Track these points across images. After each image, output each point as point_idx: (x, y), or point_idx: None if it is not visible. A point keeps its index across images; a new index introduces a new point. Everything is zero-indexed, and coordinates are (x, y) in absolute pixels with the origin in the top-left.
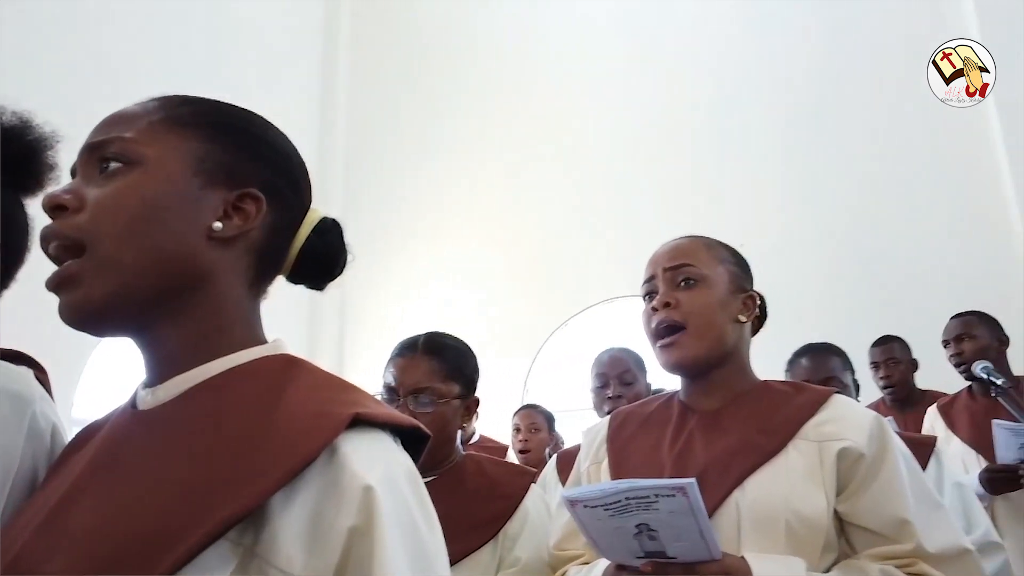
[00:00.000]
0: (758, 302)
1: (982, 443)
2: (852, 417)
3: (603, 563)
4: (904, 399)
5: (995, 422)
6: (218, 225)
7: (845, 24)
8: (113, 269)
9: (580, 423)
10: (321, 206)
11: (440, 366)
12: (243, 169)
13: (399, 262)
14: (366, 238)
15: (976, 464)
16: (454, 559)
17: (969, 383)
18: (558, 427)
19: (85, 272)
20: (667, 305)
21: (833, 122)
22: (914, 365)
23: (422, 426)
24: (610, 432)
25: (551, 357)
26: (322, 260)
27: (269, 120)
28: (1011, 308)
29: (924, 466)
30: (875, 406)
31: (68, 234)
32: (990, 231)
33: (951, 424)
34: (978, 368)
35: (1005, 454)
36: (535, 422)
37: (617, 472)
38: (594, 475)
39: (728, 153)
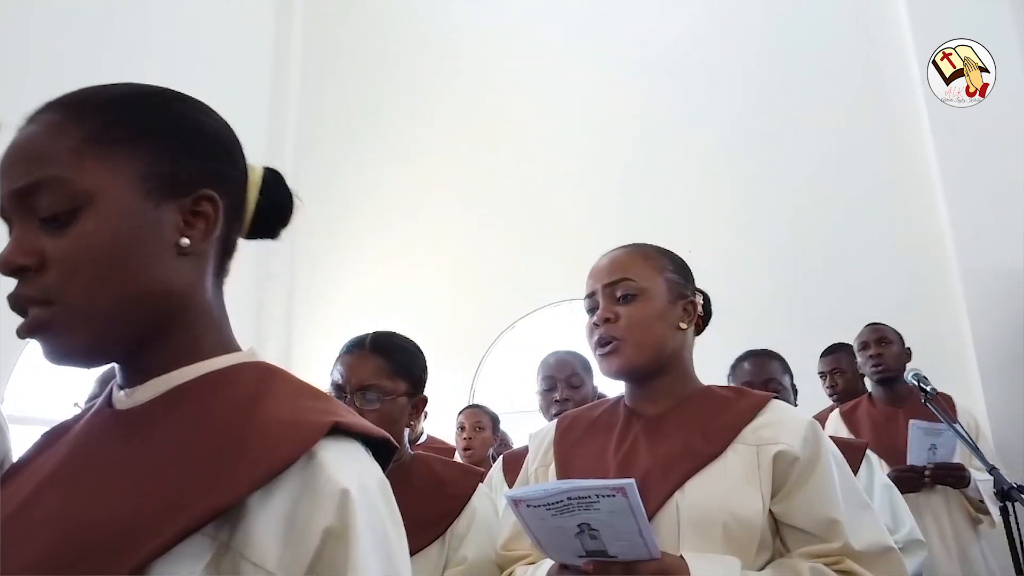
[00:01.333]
0: (699, 306)
1: (883, 447)
2: (788, 421)
3: (548, 563)
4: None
5: (912, 422)
6: (185, 241)
7: (793, 37)
8: (88, 318)
9: (526, 425)
10: None
11: (387, 364)
12: (187, 171)
13: (347, 262)
14: (316, 232)
15: (880, 468)
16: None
17: (870, 390)
18: (505, 428)
19: (57, 320)
20: (607, 320)
21: (780, 134)
22: (862, 372)
23: (391, 438)
24: (557, 436)
25: (498, 359)
26: (274, 214)
27: (185, 95)
28: (939, 320)
29: (856, 469)
30: (823, 415)
31: (39, 297)
32: (924, 247)
33: (853, 429)
34: (911, 375)
35: (917, 454)
36: (479, 421)
37: (564, 475)
38: (542, 478)
39: (675, 160)
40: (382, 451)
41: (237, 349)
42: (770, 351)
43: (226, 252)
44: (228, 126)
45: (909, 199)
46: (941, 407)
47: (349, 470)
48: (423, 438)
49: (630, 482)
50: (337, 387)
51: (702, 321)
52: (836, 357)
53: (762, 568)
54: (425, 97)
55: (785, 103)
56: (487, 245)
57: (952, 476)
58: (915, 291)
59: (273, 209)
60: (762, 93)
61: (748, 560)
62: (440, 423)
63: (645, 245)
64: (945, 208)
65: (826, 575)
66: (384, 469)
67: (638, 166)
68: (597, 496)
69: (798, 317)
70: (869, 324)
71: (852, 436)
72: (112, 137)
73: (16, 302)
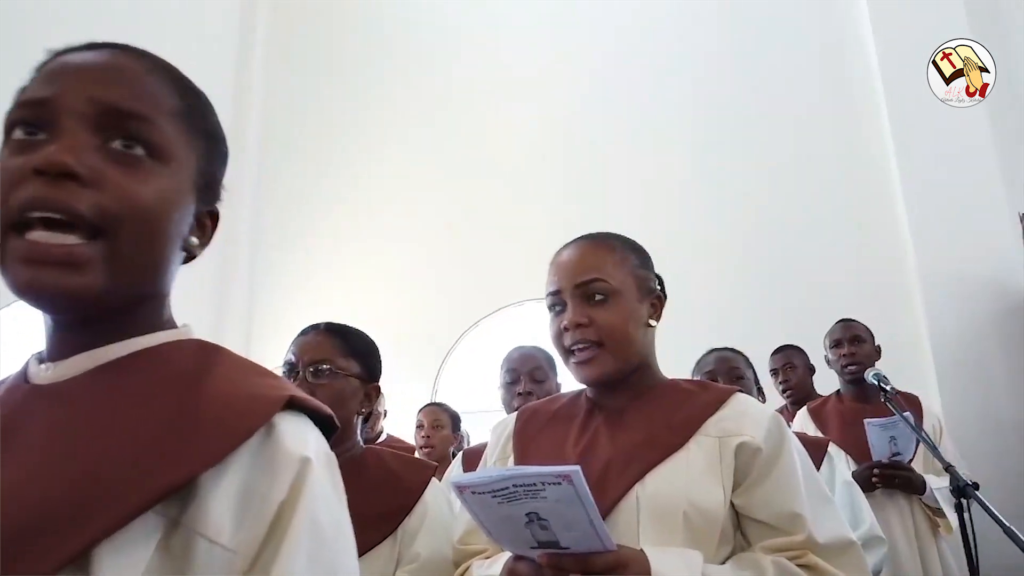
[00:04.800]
0: (663, 300)
1: (850, 444)
2: (752, 414)
3: (505, 557)
4: (802, 402)
5: (866, 421)
6: (194, 240)
7: (761, 40)
8: (126, 268)
9: (488, 424)
10: (233, 196)
11: (341, 344)
12: (217, 188)
13: (311, 257)
14: (278, 230)
15: (846, 464)
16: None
17: (839, 388)
18: (467, 427)
19: (95, 260)
20: (579, 325)
21: (746, 136)
22: (811, 370)
23: (335, 417)
24: (517, 428)
25: (461, 358)
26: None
27: None
28: (898, 321)
29: (818, 465)
30: (779, 412)
31: (82, 213)
32: (885, 251)
33: (821, 426)
34: (870, 375)
35: (878, 449)
36: (439, 419)
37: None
38: None
39: (640, 161)
40: (325, 431)
41: (173, 327)
42: (732, 348)
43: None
44: None
45: (871, 203)
46: (900, 406)
47: (306, 441)
48: (383, 437)
49: (576, 469)
50: (289, 365)
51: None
52: (786, 354)
53: (724, 562)
54: (391, 97)
55: (753, 105)
56: (451, 244)
57: (899, 477)
58: (875, 293)
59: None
60: (730, 94)
61: (710, 553)
62: (401, 422)
63: (609, 236)
64: (905, 213)
65: (789, 569)
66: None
67: (603, 166)
68: (543, 484)
69: (761, 316)
70: (841, 321)
71: (820, 433)
72: (201, 129)
73: (43, 204)
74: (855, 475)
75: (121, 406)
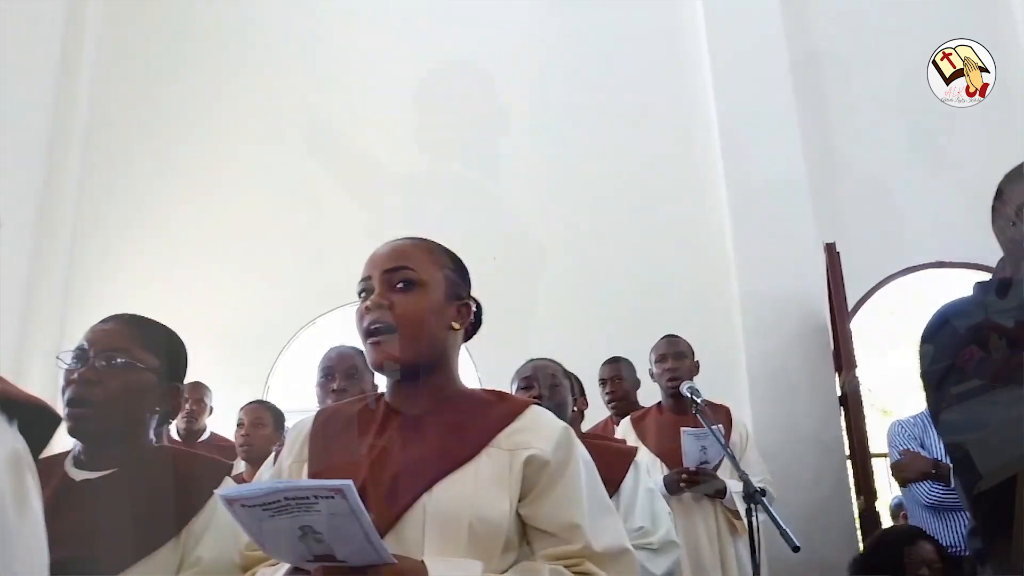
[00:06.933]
0: (473, 310)
1: (666, 453)
2: (543, 427)
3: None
4: (625, 413)
5: (683, 429)
6: None
7: (599, 39)
8: None
9: None
10: (55, 186)
11: (140, 336)
12: None
13: (137, 251)
14: (100, 226)
15: (660, 471)
16: (129, 561)
17: (660, 400)
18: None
19: None
20: (380, 306)
21: (583, 145)
22: (637, 383)
23: (50, 406)
24: (312, 430)
25: (296, 356)
26: None
27: None
28: (719, 336)
29: (624, 472)
30: (605, 421)
31: None
32: (711, 270)
33: (641, 435)
34: (685, 387)
35: (690, 455)
36: (260, 417)
37: (315, 472)
38: (295, 473)
39: (475, 160)
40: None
41: None
42: (551, 357)
43: None
44: None
45: (700, 229)
46: (708, 417)
47: None
48: (206, 435)
49: (348, 483)
50: (79, 351)
51: (472, 328)
52: (615, 366)
53: (506, 570)
54: (220, 87)
55: (593, 120)
56: (288, 241)
57: (704, 482)
58: (699, 311)
59: None
60: (570, 110)
61: (492, 561)
62: (231, 420)
63: (429, 240)
64: (731, 240)
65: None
66: (46, 441)
67: (439, 166)
68: (315, 497)
69: (592, 328)
70: (666, 336)
71: (640, 441)
72: None
73: None
74: (666, 479)
75: None
